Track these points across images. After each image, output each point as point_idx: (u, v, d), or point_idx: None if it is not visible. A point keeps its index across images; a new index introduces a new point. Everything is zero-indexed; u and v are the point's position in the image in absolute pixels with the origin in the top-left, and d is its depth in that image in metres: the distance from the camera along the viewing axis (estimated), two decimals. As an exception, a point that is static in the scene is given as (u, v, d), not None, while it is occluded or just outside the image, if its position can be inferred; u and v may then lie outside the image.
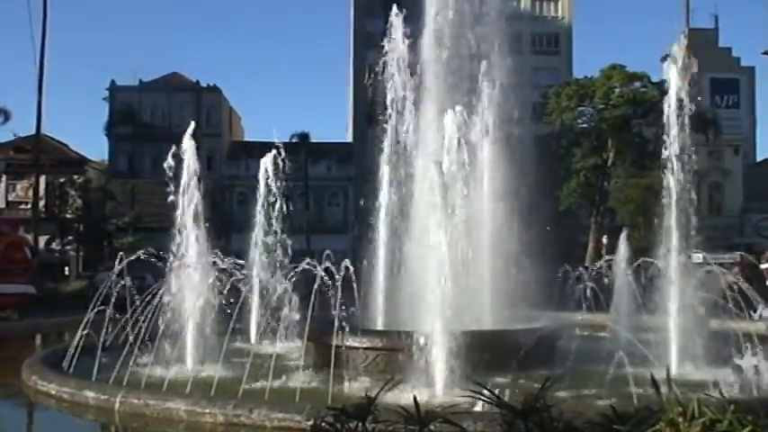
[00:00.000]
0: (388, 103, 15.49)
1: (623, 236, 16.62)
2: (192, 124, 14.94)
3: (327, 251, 14.25)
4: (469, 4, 15.92)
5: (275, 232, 17.60)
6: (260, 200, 17.97)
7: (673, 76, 13.95)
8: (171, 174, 13.65)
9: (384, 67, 15.59)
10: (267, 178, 17.73)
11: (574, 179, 50.61)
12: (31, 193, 42.16)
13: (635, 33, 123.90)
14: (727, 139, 56.26)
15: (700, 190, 13.56)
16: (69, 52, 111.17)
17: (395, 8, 15.67)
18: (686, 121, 13.38)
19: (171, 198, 13.79)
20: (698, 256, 13.96)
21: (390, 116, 15.50)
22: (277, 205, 17.59)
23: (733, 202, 59.44)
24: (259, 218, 17.92)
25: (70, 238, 51.45)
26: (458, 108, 13.72)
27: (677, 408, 3.89)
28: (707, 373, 10.92)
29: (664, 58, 50.95)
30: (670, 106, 13.47)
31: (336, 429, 4.27)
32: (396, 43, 15.61)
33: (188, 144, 14.15)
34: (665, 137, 13.35)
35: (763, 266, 26.05)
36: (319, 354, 12.66)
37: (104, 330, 12.35)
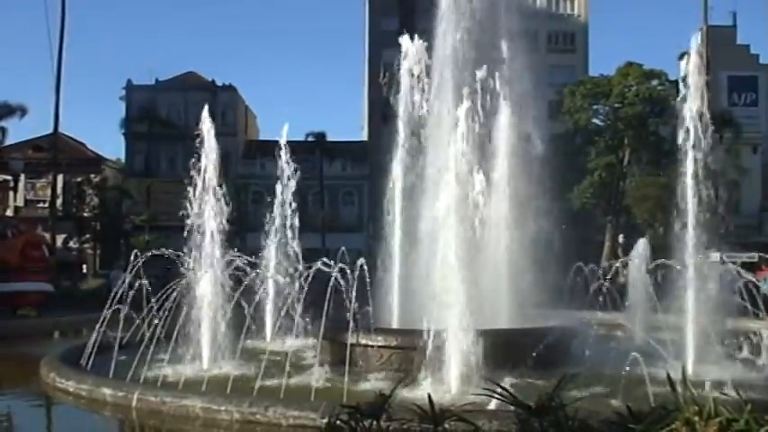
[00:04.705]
0: (402, 101, 15.49)
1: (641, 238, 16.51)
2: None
3: (343, 249, 14.24)
4: (483, 2, 15.85)
5: (290, 231, 17.62)
6: (276, 199, 17.98)
7: (690, 75, 13.81)
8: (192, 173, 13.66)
9: (398, 65, 15.58)
10: (283, 177, 17.77)
11: (589, 178, 50.34)
12: (48, 191, 42.49)
13: (652, 31, 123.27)
14: (746, 137, 55.68)
15: (717, 188, 13.41)
16: (86, 52, 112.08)
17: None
18: (703, 119, 13.24)
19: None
20: (715, 256, 13.83)
21: (405, 111, 15.50)
22: (293, 204, 17.62)
23: (751, 201, 58.89)
24: (274, 217, 17.93)
25: (87, 236, 51.84)
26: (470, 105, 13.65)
27: (693, 407, 3.87)
28: (724, 372, 10.83)
29: (681, 56, 50.63)
30: (686, 105, 13.34)
31: (351, 427, 4.28)
32: (410, 40, 15.61)
33: (208, 140, 14.11)
34: (680, 137, 13.23)
35: None
36: (334, 352, 12.67)
37: (120, 328, 12.43)
